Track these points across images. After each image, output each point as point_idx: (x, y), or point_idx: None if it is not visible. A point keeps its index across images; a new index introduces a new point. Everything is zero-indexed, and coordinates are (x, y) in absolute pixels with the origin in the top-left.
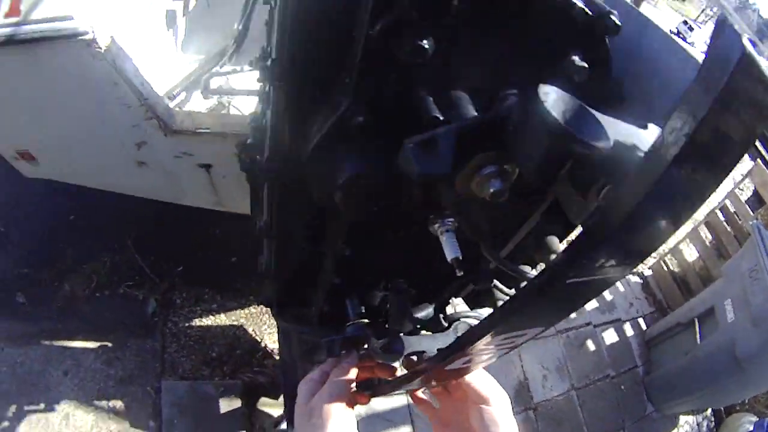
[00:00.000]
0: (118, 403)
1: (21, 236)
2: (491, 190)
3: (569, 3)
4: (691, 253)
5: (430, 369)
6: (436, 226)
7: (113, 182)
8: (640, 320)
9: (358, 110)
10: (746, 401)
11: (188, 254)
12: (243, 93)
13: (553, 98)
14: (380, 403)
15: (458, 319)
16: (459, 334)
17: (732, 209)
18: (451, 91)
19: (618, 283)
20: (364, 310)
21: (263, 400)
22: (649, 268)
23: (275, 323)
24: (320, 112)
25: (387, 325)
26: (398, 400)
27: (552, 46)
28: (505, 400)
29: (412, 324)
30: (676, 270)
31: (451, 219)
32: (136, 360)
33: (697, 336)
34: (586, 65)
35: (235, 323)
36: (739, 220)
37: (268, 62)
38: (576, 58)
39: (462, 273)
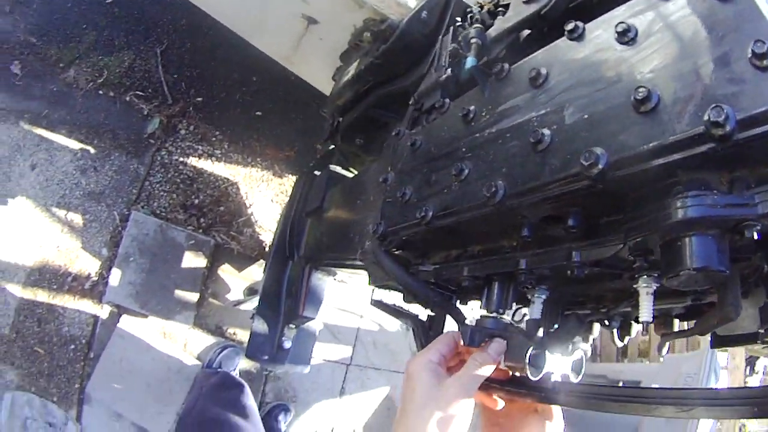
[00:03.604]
0: (77, 218)
1: (44, 2)
2: None
3: None
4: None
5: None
6: (642, 283)
7: None
8: None
9: None
10: None
11: (214, 88)
12: None
13: None
14: (332, 318)
15: (577, 348)
16: (574, 359)
17: None
18: None
19: None
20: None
21: (226, 266)
22: None
23: (269, 196)
24: None
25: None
26: (350, 320)
27: None
28: (562, 422)
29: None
30: None
31: (659, 280)
32: (113, 177)
33: None
34: None
35: (231, 178)
36: None
37: None
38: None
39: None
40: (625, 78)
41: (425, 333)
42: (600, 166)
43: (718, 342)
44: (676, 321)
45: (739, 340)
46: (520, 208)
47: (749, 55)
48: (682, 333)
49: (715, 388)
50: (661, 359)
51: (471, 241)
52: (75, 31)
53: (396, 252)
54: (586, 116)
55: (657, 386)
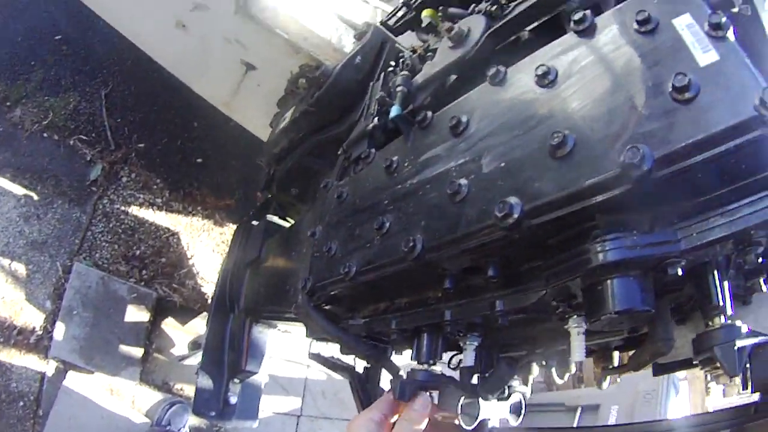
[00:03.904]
0: (21, 268)
1: None
2: None
3: None
4: None
5: None
6: (573, 323)
7: (136, 29)
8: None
9: None
10: None
11: (156, 134)
12: None
13: None
14: (278, 370)
15: (514, 391)
16: (512, 402)
17: None
18: None
19: None
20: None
21: (170, 320)
22: None
23: (210, 246)
24: None
25: (479, 386)
26: (297, 371)
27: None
28: None
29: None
30: None
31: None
32: (56, 226)
33: (576, 422)
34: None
35: (172, 228)
36: None
37: None
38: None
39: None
40: (543, 122)
41: (362, 385)
42: (515, 216)
43: (660, 369)
44: (616, 353)
45: (679, 366)
46: (438, 261)
47: (670, 89)
48: (617, 369)
49: (663, 420)
50: (618, 380)
51: (397, 294)
52: (24, 68)
53: (326, 307)
54: (503, 164)
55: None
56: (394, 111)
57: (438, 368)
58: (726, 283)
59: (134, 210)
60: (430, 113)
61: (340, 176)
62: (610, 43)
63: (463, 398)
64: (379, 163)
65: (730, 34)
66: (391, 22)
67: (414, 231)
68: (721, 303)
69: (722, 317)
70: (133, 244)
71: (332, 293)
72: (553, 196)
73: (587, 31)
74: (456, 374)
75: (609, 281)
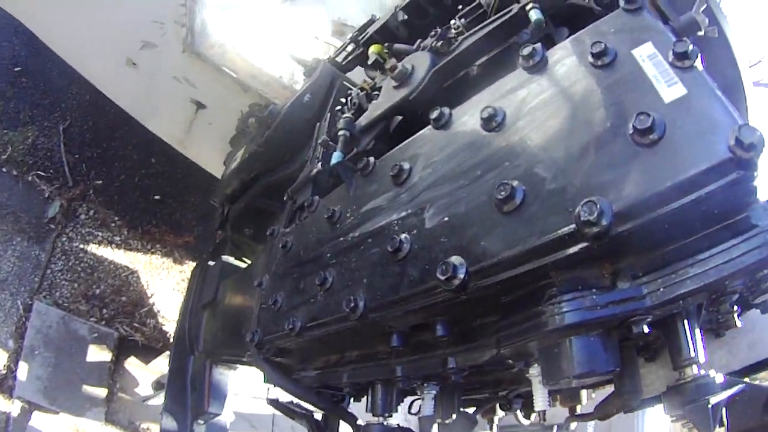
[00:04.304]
0: None
1: None
2: None
3: None
4: None
5: None
6: (534, 372)
7: (90, 66)
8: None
9: None
10: None
11: (114, 170)
12: None
13: None
14: (245, 407)
15: None
16: None
17: None
18: None
19: None
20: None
21: (132, 359)
22: None
23: (170, 284)
24: None
25: None
26: (265, 407)
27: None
28: None
29: None
30: None
31: None
32: (16, 264)
33: None
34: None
35: (131, 266)
36: None
37: None
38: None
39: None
40: (490, 171)
41: None
42: (459, 278)
43: (629, 408)
44: (584, 391)
45: (650, 403)
46: (383, 320)
47: (631, 131)
48: (584, 417)
49: None
50: (593, 395)
51: (347, 348)
52: None
53: (277, 359)
54: (446, 219)
55: None
56: (335, 158)
57: (394, 421)
58: (697, 331)
59: (93, 248)
60: (372, 159)
61: (287, 223)
62: (563, 80)
63: None
64: (321, 212)
65: (698, 63)
66: (339, 59)
67: (356, 288)
68: (693, 354)
69: (694, 367)
70: (93, 282)
71: (280, 347)
72: (501, 255)
73: (538, 67)
74: (415, 421)
75: (568, 342)
